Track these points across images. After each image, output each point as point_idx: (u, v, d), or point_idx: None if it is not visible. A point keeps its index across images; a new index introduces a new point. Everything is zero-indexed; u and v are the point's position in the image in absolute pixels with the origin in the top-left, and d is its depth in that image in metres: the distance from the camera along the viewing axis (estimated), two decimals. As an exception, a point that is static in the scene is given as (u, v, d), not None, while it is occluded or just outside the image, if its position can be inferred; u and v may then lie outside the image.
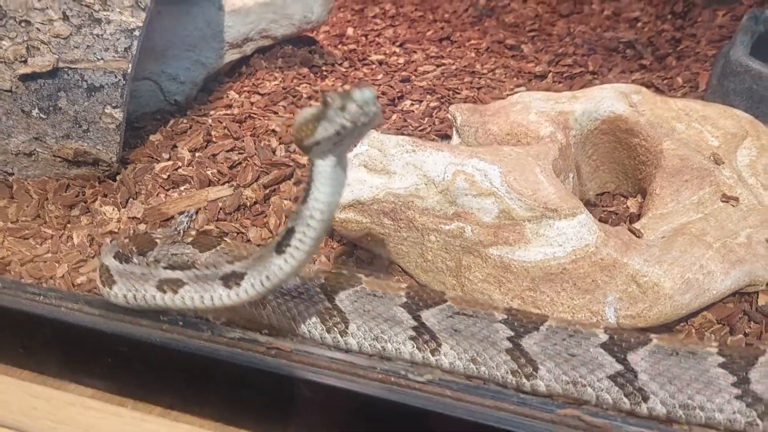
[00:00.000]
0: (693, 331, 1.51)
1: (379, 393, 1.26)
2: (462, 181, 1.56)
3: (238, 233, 1.79)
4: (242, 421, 1.35)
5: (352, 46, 3.18)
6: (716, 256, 1.52)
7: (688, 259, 1.49)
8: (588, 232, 1.50)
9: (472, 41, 3.29)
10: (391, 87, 2.72)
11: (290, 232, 1.27)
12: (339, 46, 3.15)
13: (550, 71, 2.96)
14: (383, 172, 1.65)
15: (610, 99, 2.04)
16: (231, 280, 1.35)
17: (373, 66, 2.96)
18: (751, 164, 1.91)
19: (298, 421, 1.32)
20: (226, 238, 1.62)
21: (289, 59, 2.86)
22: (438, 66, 2.96)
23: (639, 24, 3.48)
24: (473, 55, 3.12)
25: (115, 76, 1.88)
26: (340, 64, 2.92)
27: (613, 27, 3.44)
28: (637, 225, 1.65)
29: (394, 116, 2.50)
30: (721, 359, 1.24)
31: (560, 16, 3.62)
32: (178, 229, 1.59)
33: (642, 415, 1.27)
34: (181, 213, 1.70)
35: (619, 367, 1.28)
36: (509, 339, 1.32)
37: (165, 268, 1.43)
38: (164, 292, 1.40)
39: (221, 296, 1.36)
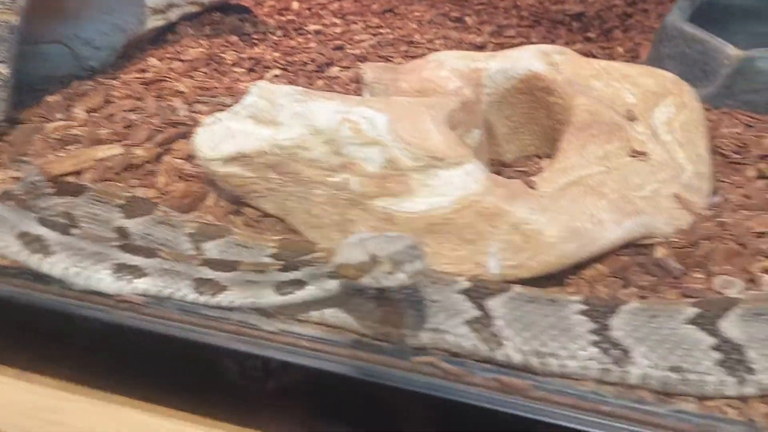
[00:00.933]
0: (584, 283, 1.43)
1: (231, 344, 1.17)
2: (347, 129, 1.48)
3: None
4: (94, 378, 1.27)
5: (291, 17, 3.09)
6: (610, 206, 1.45)
7: (577, 208, 1.41)
8: (474, 181, 1.42)
9: (416, 13, 3.21)
10: (322, 54, 2.63)
11: (300, 283, 1.28)
12: (276, 17, 3.06)
13: (490, 42, 2.89)
14: (271, 123, 1.56)
15: (528, 58, 1.96)
16: (206, 286, 1.31)
17: (309, 35, 2.88)
18: (668, 121, 1.83)
19: (150, 374, 1.23)
20: (90, 185, 1.53)
21: (218, 27, 2.77)
22: (375, 35, 2.88)
23: (591, -1, 3.41)
24: (414, 26, 3.04)
25: (1, 29, 1.78)
26: (273, 33, 2.83)
27: (565, 0, 3.37)
28: (535, 178, 1.57)
29: (320, 82, 2.42)
30: (583, 307, 1.17)
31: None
32: (32, 180, 1.50)
33: (499, 362, 1.20)
34: (21, 162, 1.60)
35: (476, 312, 1.21)
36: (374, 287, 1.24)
37: (120, 247, 1.34)
38: (119, 278, 1.32)
39: (186, 296, 1.32)
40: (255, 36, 2.78)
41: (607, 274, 1.45)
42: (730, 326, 1.14)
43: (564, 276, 1.44)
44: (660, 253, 1.48)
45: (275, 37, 2.81)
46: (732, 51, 2.15)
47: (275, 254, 1.35)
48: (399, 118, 1.48)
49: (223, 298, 1.30)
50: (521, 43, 2.86)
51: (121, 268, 1.32)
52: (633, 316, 1.16)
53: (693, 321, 1.15)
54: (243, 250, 1.37)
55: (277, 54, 2.63)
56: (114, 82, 2.22)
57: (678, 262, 1.46)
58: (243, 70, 2.47)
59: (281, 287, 1.29)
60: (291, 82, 2.39)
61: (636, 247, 1.50)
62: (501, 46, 2.84)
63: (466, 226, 1.39)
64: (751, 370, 1.13)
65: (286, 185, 1.55)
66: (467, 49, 2.82)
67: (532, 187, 1.51)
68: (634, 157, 1.67)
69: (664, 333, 1.15)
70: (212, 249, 1.38)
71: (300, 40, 2.83)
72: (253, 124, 1.58)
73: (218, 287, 1.30)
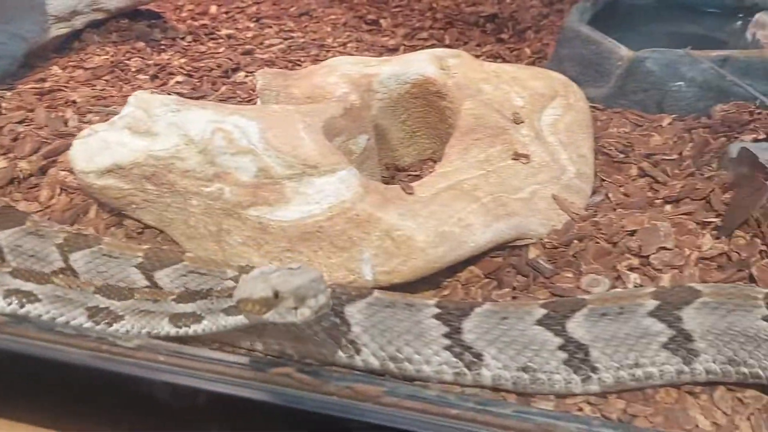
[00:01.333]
0: (459, 286, 1.45)
1: (90, 361, 1.16)
2: (220, 139, 1.47)
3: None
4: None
5: (205, 22, 3.06)
6: (481, 209, 1.47)
7: (446, 213, 1.43)
8: (346, 189, 1.43)
9: (333, 16, 3.22)
10: (230, 59, 2.62)
11: (197, 318, 1.27)
12: (189, 22, 3.03)
13: (403, 44, 2.91)
14: (147, 134, 1.55)
15: (420, 62, 1.98)
16: (101, 315, 1.30)
17: (221, 40, 2.86)
18: (554, 123, 1.87)
19: (8, 395, 1.21)
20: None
21: (125, 33, 2.73)
22: (286, 39, 2.87)
23: (508, 0, 3.46)
24: (329, 29, 3.05)
25: None
26: (182, 38, 2.80)
27: (481, 2, 3.41)
28: (416, 183, 1.58)
29: (224, 88, 2.40)
30: (437, 310, 1.19)
31: (433, -9, 3.56)
32: None
33: (359, 368, 1.21)
34: None
35: (335, 320, 1.22)
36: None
37: (10, 273, 1.33)
38: (9, 303, 1.31)
39: (81, 324, 1.30)
40: (164, 42, 2.75)
41: (481, 275, 1.48)
42: (577, 327, 1.17)
43: (440, 279, 1.46)
44: (533, 253, 1.51)
45: (185, 43, 2.78)
46: (624, 52, 2.21)
47: (141, 263, 1.35)
48: (271, 127, 1.49)
49: (119, 327, 1.29)
50: (433, 45, 2.91)
51: (12, 293, 1.31)
52: (485, 318, 1.18)
53: (541, 322, 1.18)
54: (109, 260, 1.36)
55: (184, 60, 2.61)
56: (8, 93, 2.17)
57: (550, 262, 1.49)
58: (146, 77, 2.45)
59: (176, 319, 1.28)
60: (194, 89, 2.37)
61: (511, 248, 1.53)
62: (413, 49, 2.86)
63: (339, 234, 1.40)
64: (595, 369, 1.17)
65: (163, 196, 1.53)
66: (380, 52, 2.85)
67: (410, 193, 1.52)
68: (516, 159, 1.71)
69: (513, 334, 1.17)
70: (79, 259, 1.37)
71: (210, 44, 2.81)
72: (130, 135, 1.56)
73: (114, 316, 1.30)
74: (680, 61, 2.12)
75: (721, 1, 2.78)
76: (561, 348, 1.17)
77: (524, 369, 1.16)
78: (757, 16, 2.35)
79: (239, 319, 1.22)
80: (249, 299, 1.16)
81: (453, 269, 1.47)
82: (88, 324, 1.29)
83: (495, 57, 2.77)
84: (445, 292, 1.44)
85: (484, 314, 1.19)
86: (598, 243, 1.53)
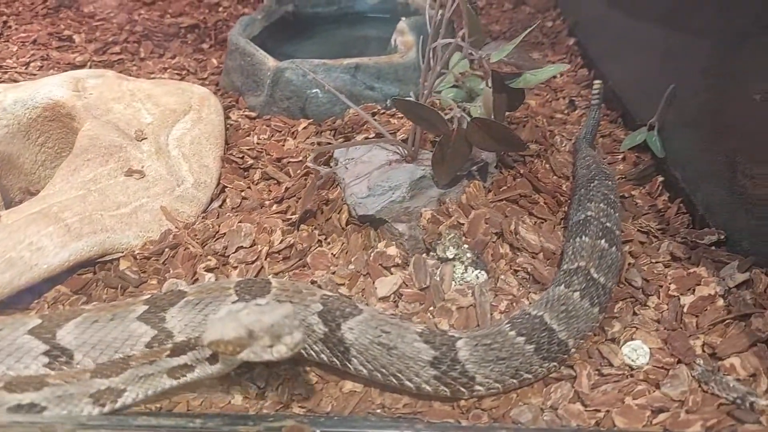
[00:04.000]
0: (47, 306, 1.52)
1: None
2: None
3: None
4: None
5: None
6: (59, 231, 1.55)
7: (15, 238, 1.50)
8: None
9: (28, 33, 3.13)
10: None
11: (188, 367, 1.29)
12: None
13: (92, 60, 2.91)
14: None
15: (51, 86, 2.02)
16: (104, 397, 1.26)
17: None
18: (181, 137, 2.00)
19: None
20: None
21: None
22: (-47, 63, 2.77)
23: (220, 9, 3.56)
24: (15, 48, 2.97)
25: None
26: None
27: (186, 13, 3.48)
28: (10, 210, 1.63)
29: None
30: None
31: (144, 4, 3.58)
32: None
33: None
34: None
35: None
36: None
37: (4, 388, 1.24)
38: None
39: (91, 413, 1.27)
40: None
41: (69, 292, 1.56)
42: (66, 334, 1.30)
43: (30, 300, 1.52)
44: (123, 265, 1.62)
45: None
46: (270, 63, 2.38)
47: None
48: None
49: (124, 400, 1.26)
50: (123, 60, 2.95)
51: (19, 409, 1.22)
52: None
53: (33, 331, 1.29)
54: None
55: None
56: None
57: (139, 272, 1.60)
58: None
59: (174, 372, 1.28)
60: None
61: (102, 263, 1.62)
62: (104, 63, 2.89)
63: None
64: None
65: None
66: (65, 69, 2.83)
67: (-6, 220, 1.57)
68: (129, 176, 1.81)
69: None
70: None
71: None
72: None
73: (116, 392, 1.25)
74: (316, 70, 2.32)
75: (393, 8, 3.06)
76: (46, 353, 1.28)
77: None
78: (399, 23, 2.62)
79: (219, 367, 1.26)
80: (221, 340, 1.17)
81: (37, 291, 1.53)
82: (96, 410, 1.25)
83: (181, 69, 2.85)
84: (32, 313, 1.51)
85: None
86: (188, 249, 1.66)
